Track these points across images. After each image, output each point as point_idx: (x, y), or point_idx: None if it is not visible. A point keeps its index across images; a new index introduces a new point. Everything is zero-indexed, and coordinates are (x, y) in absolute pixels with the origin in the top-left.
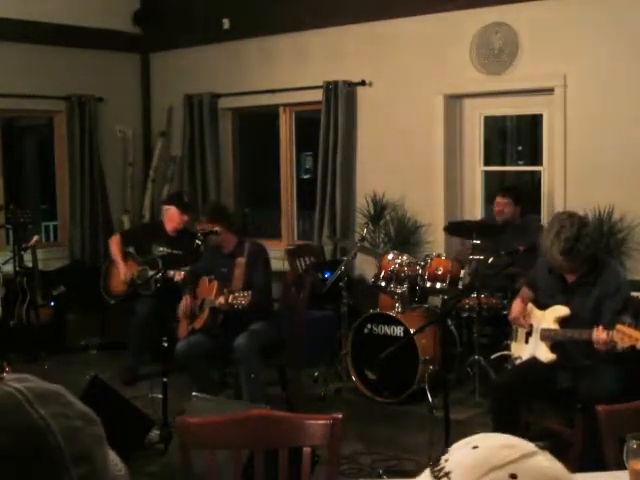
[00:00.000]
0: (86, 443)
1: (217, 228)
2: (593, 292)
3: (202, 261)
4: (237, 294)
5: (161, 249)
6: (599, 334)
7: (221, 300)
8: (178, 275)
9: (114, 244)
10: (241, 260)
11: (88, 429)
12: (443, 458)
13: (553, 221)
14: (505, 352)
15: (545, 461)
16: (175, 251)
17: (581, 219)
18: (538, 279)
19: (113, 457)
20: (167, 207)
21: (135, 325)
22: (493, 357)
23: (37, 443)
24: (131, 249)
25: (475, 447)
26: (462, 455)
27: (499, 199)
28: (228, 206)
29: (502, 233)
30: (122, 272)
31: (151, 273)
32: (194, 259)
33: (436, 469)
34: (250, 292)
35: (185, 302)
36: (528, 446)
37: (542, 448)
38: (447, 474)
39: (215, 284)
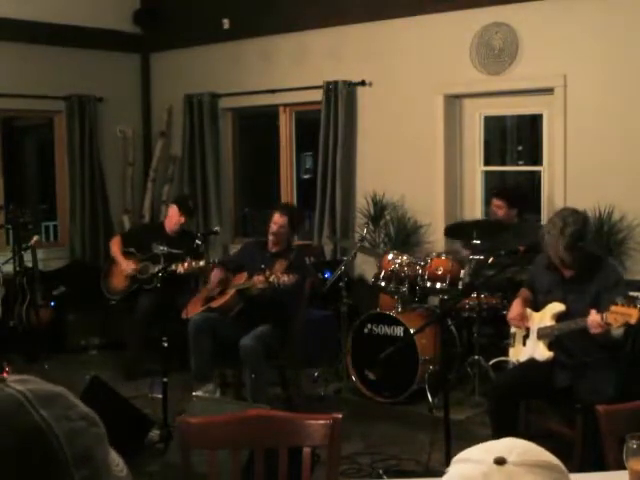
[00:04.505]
0: (88, 445)
1: (217, 228)
2: (591, 287)
3: (234, 257)
4: (280, 274)
5: (161, 248)
6: (592, 316)
7: (260, 278)
8: (182, 267)
9: (114, 245)
10: (283, 262)
11: (90, 430)
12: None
13: (556, 217)
14: (503, 358)
15: None
16: (174, 251)
17: (585, 216)
18: (535, 277)
19: (115, 457)
20: (171, 205)
21: (136, 320)
22: (491, 363)
23: (39, 445)
24: (132, 249)
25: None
26: None
27: (494, 200)
28: (229, 206)
29: (502, 232)
30: (124, 266)
31: (154, 267)
32: (195, 259)
33: None
34: (296, 275)
35: (217, 272)
36: None
37: None
38: None
39: (244, 274)
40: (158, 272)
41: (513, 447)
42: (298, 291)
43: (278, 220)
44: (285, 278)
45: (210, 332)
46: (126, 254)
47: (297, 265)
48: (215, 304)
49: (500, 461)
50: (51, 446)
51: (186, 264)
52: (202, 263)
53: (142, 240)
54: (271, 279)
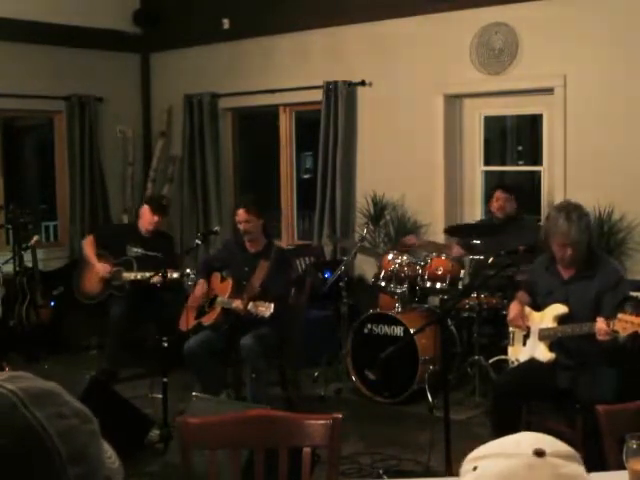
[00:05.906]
0: (82, 442)
1: (217, 228)
2: (592, 287)
3: (218, 254)
4: (258, 303)
5: (135, 250)
6: (600, 324)
7: (239, 305)
8: (156, 278)
9: (88, 245)
10: (265, 264)
11: (83, 427)
12: None
13: (555, 209)
14: (502, 356)
15: None
16: (150, 252)
17: (580, 205)
18: (535, 279)
19: (107, 449)
20: (142, 206)
21: (111, 327)
22: (491, 361)
23: (34, 446)
24: (104, 252)
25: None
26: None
27: (500, 194)
28: (229, 206)
29: (502, 232)
30: (100, 269)
31: (128, 273)
32: (171, 261)
33: None
34: (272, 304)
35: (200, 288)
36: None
37: None
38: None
39: (229, 283)
40: (150, 277)
41: (537, 440)
42: (297, 291)
43: (240, 217)
44: (262, 309)
45: (206, 352)
46: (100, 257)
47: (280, 264)
48: (205, 321)
49: (540, 453)
50: (45, 445)
51: (160, 274)
52: (176, 275)
53: (116, 241)
54: (249, 307)
